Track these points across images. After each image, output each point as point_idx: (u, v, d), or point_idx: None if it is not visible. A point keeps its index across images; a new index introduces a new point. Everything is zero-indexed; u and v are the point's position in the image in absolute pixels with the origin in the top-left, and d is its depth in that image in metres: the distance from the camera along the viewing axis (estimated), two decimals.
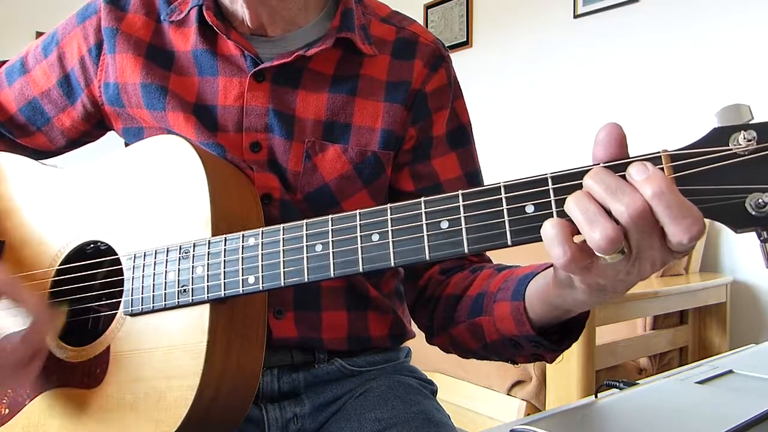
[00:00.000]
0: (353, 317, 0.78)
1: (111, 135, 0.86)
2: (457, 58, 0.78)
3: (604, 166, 0.45)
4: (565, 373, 1.72)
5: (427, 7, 3.64)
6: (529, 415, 1.27)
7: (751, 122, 0.43)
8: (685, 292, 2.12)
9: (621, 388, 0.70)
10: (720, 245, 2.48)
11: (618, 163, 0.45)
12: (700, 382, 0.72)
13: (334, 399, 0.78)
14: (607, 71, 2.79)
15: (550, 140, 2.99)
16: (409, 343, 0.89)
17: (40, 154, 0.86)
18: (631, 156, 0.45)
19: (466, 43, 3.43)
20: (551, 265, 0.57)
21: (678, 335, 2.26)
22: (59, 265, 0.70)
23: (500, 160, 3.02)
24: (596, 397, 0.68)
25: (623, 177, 0.44)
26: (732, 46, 2.38)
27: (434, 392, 0.86)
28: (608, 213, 0.43)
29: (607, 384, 0.72)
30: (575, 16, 2.91)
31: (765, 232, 0.44)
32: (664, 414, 0.62)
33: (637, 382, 0.73)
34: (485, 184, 0.83)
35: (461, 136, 0.82)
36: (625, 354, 1.98)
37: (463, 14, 3.45)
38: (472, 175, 0.81)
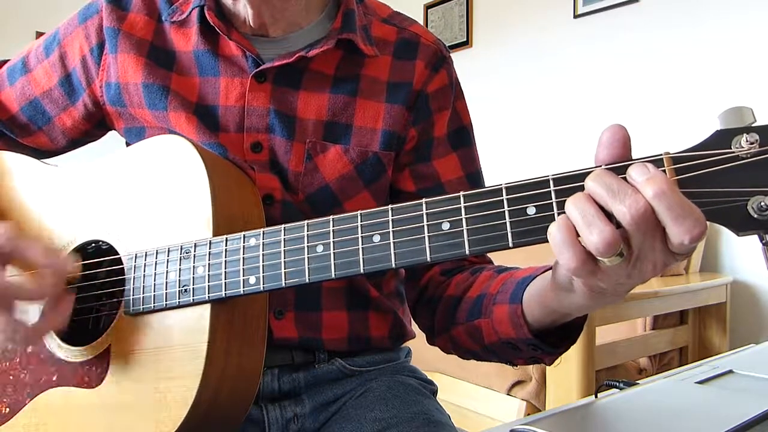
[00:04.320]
0: (353, 317, 0.78)
1: (112, 134, 0.86)
2: (457, 58, 0.79)
3: (606, 168, 0.45)
4: (565, 373, 1.72)
5: (427, 7, 3.64)
6: (529, 415, 1.27)
7: (753, 125, 0.43)
8: (685, 292, 2.12)
9: (621, 388, 0.71)
10: (720, 245, 2.48)
11: (620, 165, 0.45)
12: (700, 382, 0.72)
13: (335, 399, 0.78)
14: (607, 71, 2.79)
15: (551, 140, 2.99)
16: (409, 343, 0.89)
17: (41, 153, 0.86)
18: (633, 158, 0.45)
19: (466, 43, 3.43)
20: (550, 268, 0.57)
21: (678, 335, 2.26)
22: None
23: (500, 160, 3.02)
24: (596, 397, 0.68)
25: (625, 179, 0.43)
26: (733, 46, 2.38)
27: (434, 392, 0.86)
28: (608, 215, 0.43)
29: (607, 384, 0.72)
30: (575, 16, 2.91)
31: (767, 235, 0.43)
32: (664, 414, 0.62)
33: (637, 382, 0.73)
34: (486, 184, 0.83)
35: (462, 136, 0.82)
36: (625, 354, 1.99)
37: (463, 14, 3.45)
38: (474, 176, 0.81)
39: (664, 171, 0.44)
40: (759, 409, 0.59)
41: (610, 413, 0.63)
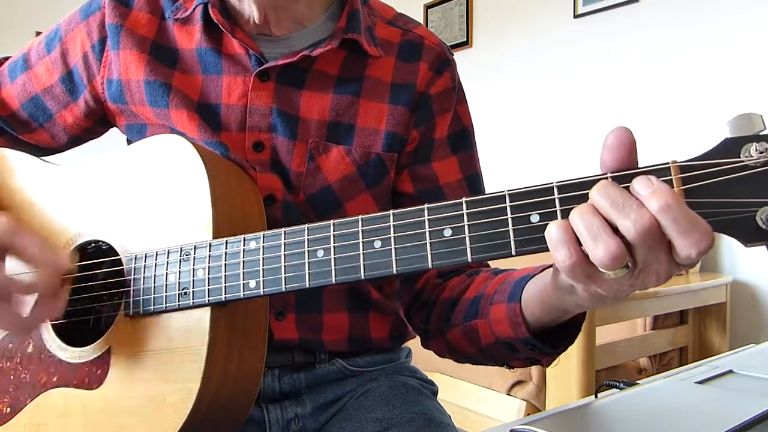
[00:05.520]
0: (354, 318, 0.78)
1: (113, 132, 0.86)
2: (457, 58, 0.78)
3: (612, 177, 0.44)
4: (565, 373, 1.72)
5: (427, 7, 3.64)
6: (529, 415, 1.27)
7: (762, 132, 0.42)
8: (685, 292, 2.12)
9: (621, 388, 0.70)
10: (720, 245, 2.48)
11: (625, 174, 0.44)
12: (700, 382, 0.72)
13: (335, 399, 0.78)
14: (607, 71, 2.79)
15: (551, 140, 2.99)
16: (409, 343, 0.89)
17: (42, 150, 0.86)
18: (640, 166, 0.45)
19: (466, 43, 3.43)
20: (548, 267, 0.57)
21: (678, 335, 2.26)
22: None
23: (500, 160, 3.01)
24: (596, 397, 0.68)
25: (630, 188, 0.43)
26: (733, 47, 2.38)
27: (435, 392, 0.86)
28: (614, 228, 0.43)
29: (607, 384, 0.72)
30: (575, 16, 2.90)
31: None
32: (664, 414, 0.62)
33: (637, 382, 0.73)
34: (486, 188, 0.82)
35: (463, 139, 0.81)
36: (625, 354, 1.99)
37: (463, 14, 3.45)
38: (473, 179, 0.81)
39: (672, 180, 0.43)
40: (759, 409, 0.59)
41: (610, 413, 0.63)
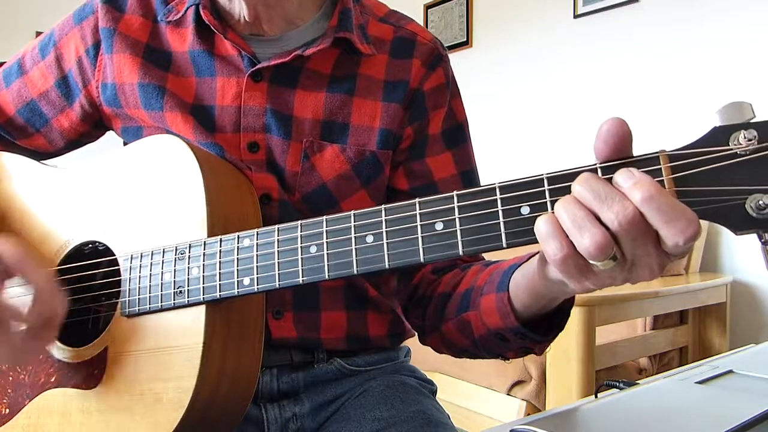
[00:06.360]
0: (352, 317, 0.78)
1: (111, 135, 0.86)
2: (457, 58, 0.78)
3: (601, 168, 0.44)
4: (565, 373, 1.72)
5: (427, 7, 3.64)
6: (529, 415, 1.27)
7: (752, 121, 0.41)
8: (685, 292, 2.11)
9: (621, 388, 0.70)
10: (720, 245, 2.48)
11: (614, 165, 0.44)
12: (700, 382, 0.72)
13: (334, 398, 0.78)
14: (607, 71, 2.79)
15: (550, 140, 2.99)
16: (408, 343, 0.88)
17: (39, 155, 0.86)
18: (629, 156, 0.44)
19: (466, 43, 3.43)
20: (534, 254, 0.56)
21: (678, 335, 2.25)
22: (58, 266, 0.70)
23: (500, 160, 3.02)
24: (596, 397, 0.68)
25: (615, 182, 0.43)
26: (732, 46, 2.38)
27: (434, 392, 0.86)
28: (598, 220, 0.42)
29: (607, 384, 0.72)
30: (575, 16, 2.91)
31: (766, 234, 0.42)
32: (664, 414, 0.62)
33: (637, 382, 0.73)
34: (482, 184, 0.83)
35: (457, 135, 0.81)
36: (625, 354, 1.98)
37: (463, 14, 3.45)
38: (468, 174, 0.81)
39: (661, 169, 0.43)
40: (759, 409, 0.59)
41: (610, 413, 0.63)
